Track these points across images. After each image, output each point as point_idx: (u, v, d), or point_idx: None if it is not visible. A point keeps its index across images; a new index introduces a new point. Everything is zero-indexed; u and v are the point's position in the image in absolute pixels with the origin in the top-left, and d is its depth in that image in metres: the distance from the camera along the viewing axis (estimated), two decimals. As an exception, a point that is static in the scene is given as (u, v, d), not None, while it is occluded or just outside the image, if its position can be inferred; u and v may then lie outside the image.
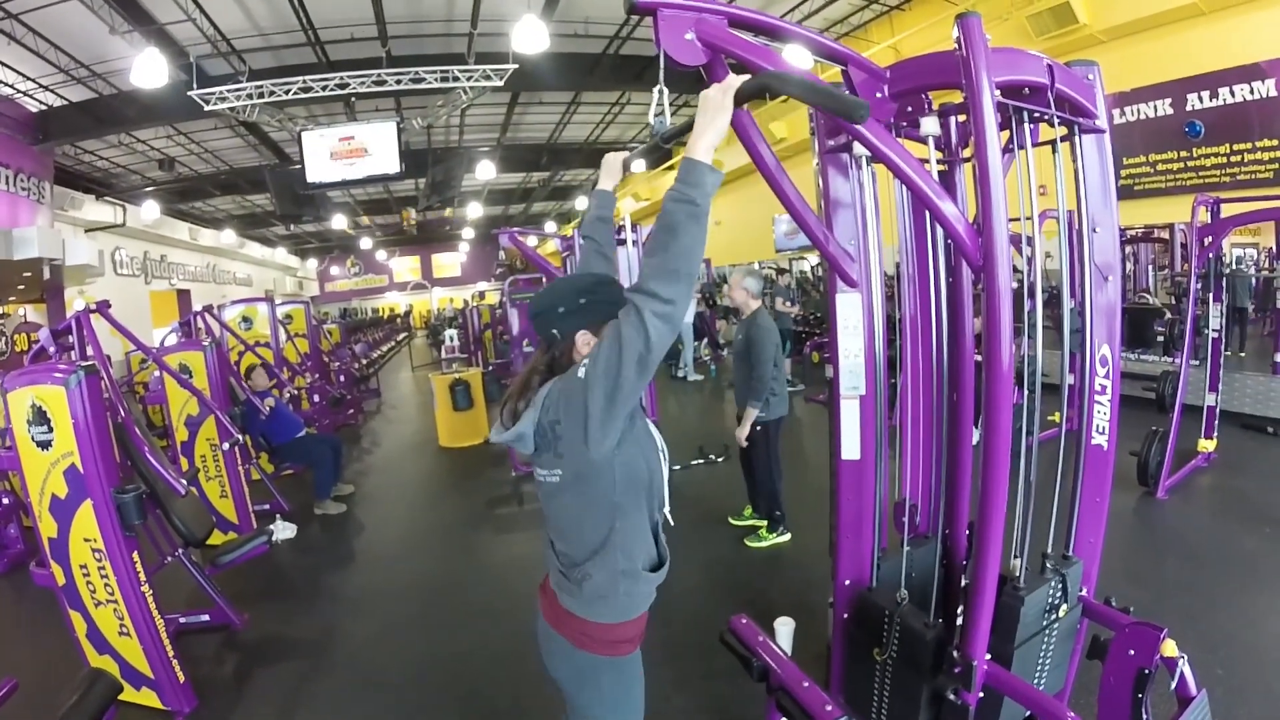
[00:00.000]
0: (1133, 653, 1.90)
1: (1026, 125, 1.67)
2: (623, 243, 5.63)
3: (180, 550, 3.81)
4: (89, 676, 2.24)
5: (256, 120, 9.96)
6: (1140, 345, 7.47)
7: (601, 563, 1.50)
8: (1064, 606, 1.94)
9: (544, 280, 10.15)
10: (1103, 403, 1.94)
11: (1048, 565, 1.94)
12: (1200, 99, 6.78)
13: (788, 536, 4.40)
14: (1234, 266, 7.32)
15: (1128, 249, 8.89)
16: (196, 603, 3.98)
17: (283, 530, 5.23)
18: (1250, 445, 5.54)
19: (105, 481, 2.99)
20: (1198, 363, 5.28)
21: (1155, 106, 7.13)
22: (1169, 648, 1.86)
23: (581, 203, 20.90)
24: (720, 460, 5.70)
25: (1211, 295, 5.09)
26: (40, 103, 10.13)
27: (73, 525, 3.05)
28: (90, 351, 3.79)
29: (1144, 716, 1.97)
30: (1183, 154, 7.03)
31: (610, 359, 1.30)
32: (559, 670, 1.63)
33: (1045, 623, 1.94)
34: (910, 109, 1.77)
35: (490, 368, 10.15)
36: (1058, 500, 2.00)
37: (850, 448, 2.02)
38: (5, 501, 5.06)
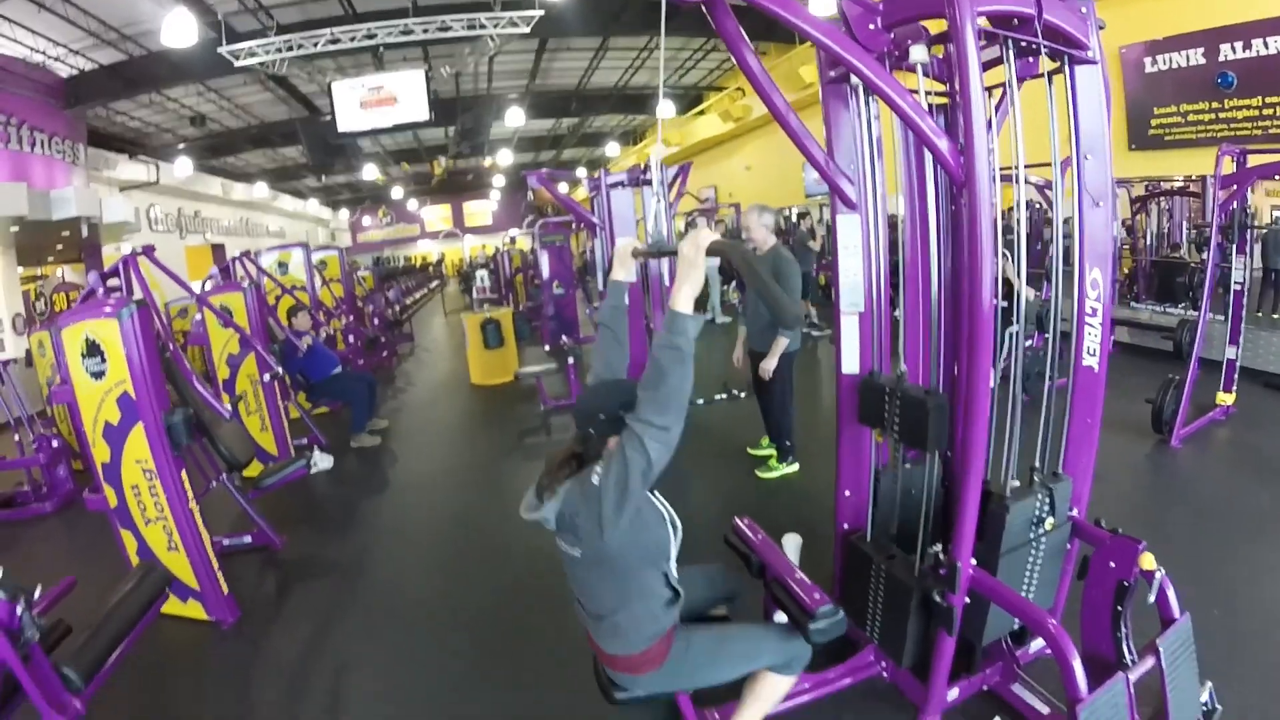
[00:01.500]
0: (1113, 565, 2.01)
1: (1011, 55, 1.71)
2: (648, 183, 5.91)
3: (224, 475, 4.05)
4: (143, 568, 2.46)
5: (285, 74, 10.06)
6: (1168, 299, 7.40)
7: (623, 613, 1.80)
8: (1050, 520, 2.04)
9: (573, 224, 10.26)
10: (1093, 324, 2.01)
11: (1035, 479, 2.04)
12: (1233, 49, 6.58)
13: (796, 467, 4.57)
14: (1272, 226, 7.11)
15: (1162, 203, 8.70)
16: (239, 527, 4.26)
17: (321, 461, 5.50)
18: (1272, 404, 5.47)
19: (156, 406, 3.21)
20: (1223, 319, 5.24)
21: (1187, 56, 6.93)
22: (1147, 560, 1.95)
23: (612, 149, 20.77)
24: (742, 395, 5.88)
25: (1235, 247, 5.03)
26: (71, 67, 10.27)
27: (125, 448, 3.27)
28: (138, 291, 4.01)
29: (1123, 629, 2.07)
30: (1214, 105, 6.85)
31: (619, 474, 1.56)
32: (646, 692, 1.93)
33: (1032, 535, 2.05)
34: (910, 41, 1.83)
35: (521, 308, 10.30)
36: (1046, 421, 2.09)
37: (850, 361, 2.14)
38: (55, 445, 5.37)
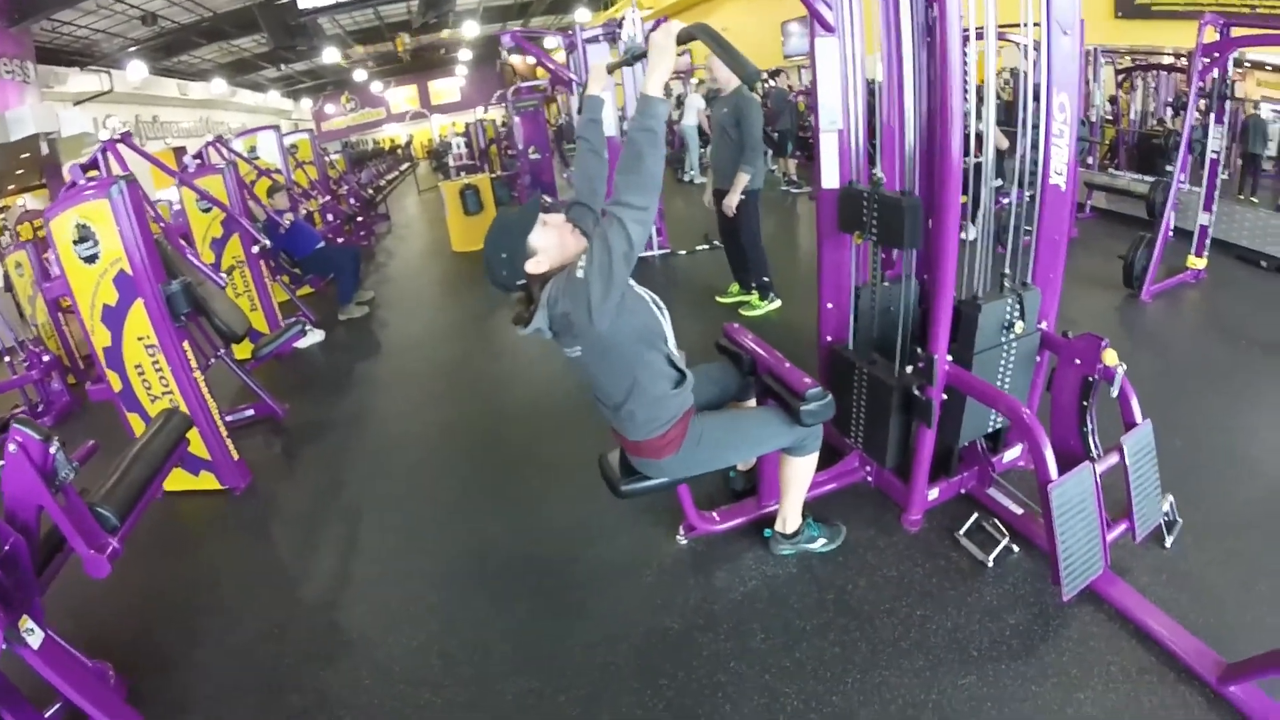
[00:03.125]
0: (1078, 362, 2.16)
1: None
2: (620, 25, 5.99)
3: (222, 351, 4.11)
4: (166, 413, 2.52)
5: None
6: (1149, 171, 7.42)
7: (636, 400, 1.90)
8: (1020, 324, 2.17)
9: (547, 89, 10.17)
10: (1060, 145, 2.11)
11: (1006, 285, 2.17)
12: (1232, -81, 6.38)
13: (778, 304, 4.80)
14: (1254, 114, 7.05)
15: (1149, 78, 8.59)
16: (241, 400, 4.38)
17: (312, 336, 5.60)
18: (1241, 274, 5.54)
19: (153, 278, 3.22)
20: (1200, 190, 5.29)
21: (1181, -79, 6.72)
22: (1110, 356, 2.09)
23: (582, 15, 19.92)
24: (721, 245, 6.10)
25: (1213, 117, 5.06)
26: (9, -17, 9.64)
27: (125, 328, 3.30)
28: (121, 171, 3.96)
29: (1089, 424, 2.22)
30: (1207, -22, 6.70)
31: (603, 260, 1.61)
32: (670, 476, 2.09)
33: (1004, 339, 2.19)
34: None
35: (497, 176, 10.32)
36: (1015, 236, 2.19)
37: (830, 177, 2.23)
38: (46, 359, 5.35)
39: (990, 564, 2.21)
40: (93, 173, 4.30)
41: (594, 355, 1.84)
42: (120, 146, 4.37)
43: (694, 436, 2.02)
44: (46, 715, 2.07)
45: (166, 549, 3.24)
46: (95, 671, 2.21)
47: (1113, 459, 2.12)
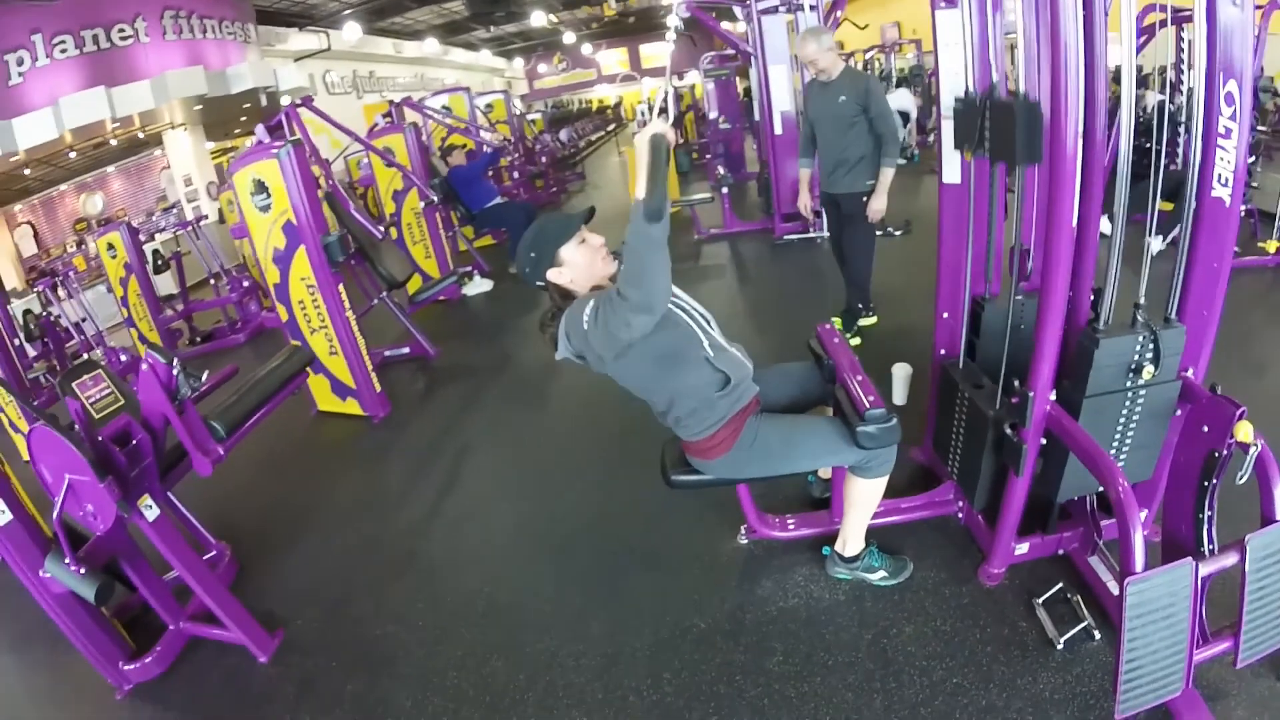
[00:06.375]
0: (1205, 430, 1.73)
1: None
2: (800, 7, 5.60)
3: (384, 294, 4.55)
4: (290, 349, 2.83)
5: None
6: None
7: (679, 408, 1.90)
8: (1149, 369, 1.78)
9: (737, 55, 9.90)
10: (1226, 148, 1.67)
11: (1138, 318, 1.78)
12: None
13: (875, 319, 4.20)
14: None
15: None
16: (400, 340, 4.85)
17: (478, 285, 6.01)
18: None
19: (314, 229, 3.65)
20: None
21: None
22: (1243, 430, 1.63)
23: None
24: (898, 234, 5.70)
25: None
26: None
27: (291, 269, 3.78)
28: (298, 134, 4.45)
29: (1207, 511, 1.75)
30: None
31: (603, 327, 1.66)
32: (718, 476, 2.06)
33: (1128, 384, 1.82)
34: None
35: (683, 143, 10.31)
36: (1150, 256, 1.83)
37: (951, 171, 1.99)
38: (245, 284, 6.34)
39: (1059, 645, 1.90)
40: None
41: (625, 377, 1.88)
42: (300, 110, 4.78)
43: (747, 440, 1.94)
44: (165, 579, 2.50)
45: (303, 462, 3.75)
46: (215, 549, 2.77)
47: (1229, 559, 1.65)
